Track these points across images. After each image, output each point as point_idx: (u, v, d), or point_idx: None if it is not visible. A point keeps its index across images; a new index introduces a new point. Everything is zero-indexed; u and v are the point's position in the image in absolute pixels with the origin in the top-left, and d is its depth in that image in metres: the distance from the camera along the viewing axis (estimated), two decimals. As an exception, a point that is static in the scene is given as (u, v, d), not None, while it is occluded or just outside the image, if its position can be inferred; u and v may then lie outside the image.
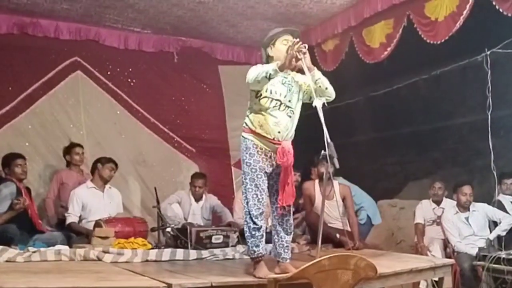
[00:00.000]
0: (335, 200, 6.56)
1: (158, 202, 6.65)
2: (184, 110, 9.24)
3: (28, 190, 6.91)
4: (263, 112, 4.59)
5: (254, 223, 4.55)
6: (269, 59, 4.77)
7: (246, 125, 4.67)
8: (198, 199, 7.71)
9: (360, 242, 6.57)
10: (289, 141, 4.63)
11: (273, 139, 4.57)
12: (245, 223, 4.63)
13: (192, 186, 7.68)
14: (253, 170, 4.56)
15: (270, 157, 4.62)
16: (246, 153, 4.60)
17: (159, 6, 7.59)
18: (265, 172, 4.60)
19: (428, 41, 6.81)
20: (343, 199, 6.81)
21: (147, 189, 8.49)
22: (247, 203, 4.58)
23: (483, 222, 6.81)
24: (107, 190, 7.18)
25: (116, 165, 7.28)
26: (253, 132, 4.60)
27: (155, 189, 6.86)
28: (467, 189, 6.88)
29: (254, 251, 4.60)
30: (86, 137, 8.36)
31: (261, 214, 4.57)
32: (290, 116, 4.62)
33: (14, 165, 6.64)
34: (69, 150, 7.71)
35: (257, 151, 4.58)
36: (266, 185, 4.65)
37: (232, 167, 9.55)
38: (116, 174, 7.52)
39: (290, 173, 4.61)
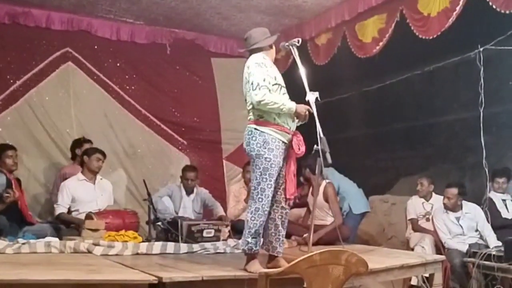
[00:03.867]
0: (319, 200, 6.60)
1: (149, 194, 6.63)
2: (176, 102, 9.21)
3: (18, 181, 6.88)
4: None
5: (252, 219, 4.49)
6: (256, 50, 4.75)
7: (261, 117, 4.51)
8: (189, 192, 7.66)
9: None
10: (298, 134, 4.64)
11: (290, 129, 4.55)
12: (256, 217, 4.50)
13: (184, 179, 7.63)
14: (273, 166, 4.47)
15: (284, 149, 4.57)
16: (264, 148, 4.45)
17: (151, -4, 7.57)
18: (280, 167, 4.56)
19: (420, 36, 6.81)
20: (326, 200, 6.79)
21: (138, 182, 8.45)
22: (262, 199, 4.47)
23: (474, 225, 6.80)
24: (99, 181, 7.12)
25: (103, 154, 7.19)
26: (270, 124, 4.50)
27: (144, 181, 6.83)
28: (451, 191, 6.83)
29: (252, 248, 4.55)
30: (76, 129, 8.31)
31: (258, 215, 4.51)
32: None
33: (5, 156, 6.59)
34: (80, 145, 7.67)
35: (275, 146, 4.48)
36: (272, 189, 4.56)
37: (224, 161, 9.52)
38: (106, 166, 7.48)
39: (295, 164, 4.63)
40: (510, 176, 7.29)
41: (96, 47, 8.58)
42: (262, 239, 4.67)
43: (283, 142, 4.53)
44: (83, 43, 8.46)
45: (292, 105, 4.46)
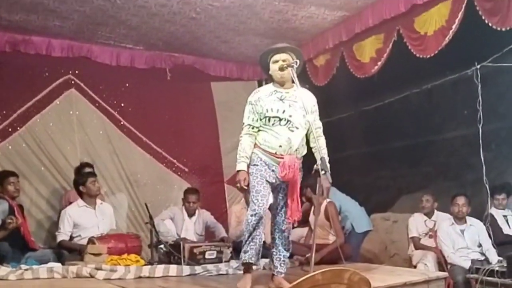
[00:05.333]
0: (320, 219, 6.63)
1: (151, 218, 6.65)
2: (176, 128, 9.21)
3: (20, 207, 6.90)
4: (265, 129, 4.78)
5: (249, 221, 4.70)
6: (268, 79, 4.97)
7: (256, 141, 4.84)
8: (191, 214, 7.67)
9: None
10: (294, 156, 4.73)
11: (276, 153, 4.72)
12: (245, 224, 4.79)
13: (186, 202, 7.65)
14: (255, 178, 4.73)
15: (273, 170, 4.77)
16: (252, 166, 4.77)
17: (151, 22, 7.63)
18: (267, 181, 4.75)
19: (417, 55, 6.88)
20: (328, 219, 6.81)
21: (140, 206, 8.53)
22: (249, 207, 4.74)
23: (477, 238, 6.81)
24: (99, 206, 7.12)
25: (95, 174, 7.24)
26: (258, 147, 4.78)
27: (146, 205, 6.87)
28: (460, 199, 6.89)
29: (242, 258, 4.79)
30: (80, 156, 8.33)
31: (255, 215, 4.68)
32: (292, 131, 4.73)
33: (7, 183, 6.62)
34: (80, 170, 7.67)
35: (261, 163, 4.75)
36: (268, 192, 4.78)
37: (225, 184, 9.55)
38: (108, 191, 7.50)
39: (294, 188, 4.77)
40: (510, 192, 7.32)
41: (97, 73, 8.62)
42: (258, 255, 4.81)
43: (270, 163, 4.75)
44: (84, 70, 8.52)
45: (239, 166, 4.78)
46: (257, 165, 4.76)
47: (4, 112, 7.96)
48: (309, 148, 4.92)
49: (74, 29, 7.85)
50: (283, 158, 4.70)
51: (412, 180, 8.85)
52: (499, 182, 7.33)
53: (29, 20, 7.47)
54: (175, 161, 9.22)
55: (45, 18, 7.46)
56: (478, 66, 7.07)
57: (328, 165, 4.57)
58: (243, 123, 4.88)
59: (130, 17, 7.45)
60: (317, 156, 4.74)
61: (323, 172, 4.52)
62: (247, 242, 4.74)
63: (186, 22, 7.60)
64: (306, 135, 4.88)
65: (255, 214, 4.68)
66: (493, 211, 7.20)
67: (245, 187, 4.73)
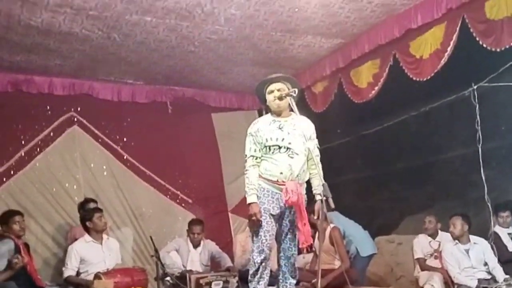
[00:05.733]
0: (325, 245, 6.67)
1: (156, 251, 6.68)
2: (179, 160, 9.30)
3: (26, 246, 6.91)
4: (266, 158, 4.88)
5: (255, 260, 4.80)
6: (267, 108, 5.06)
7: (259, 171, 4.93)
8: (196, 245, 7.68)
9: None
10: (296, 181, 4.81)
11: (277, 181, 4.82)
12: (251, 262, 4.88)
13: (190, 233, 7.67)
14: (262, 211, 4.81)
15: (277, 199, 4.85)
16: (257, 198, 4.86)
17: (150, 57, 7.77)
18: (271, 214, 4.84)
19: (414, 78, 6.98)
20: (333, 244, 6.84)
21: (145, 239, 8.57)
22: (252, 242, 4.85)
23: (482, 257, 6.81)
24: (106, 241, 7.13)
25: (101, 210, 7.28)
26: (261, 177, 4.87)
27: (151, 238, 6.90)
28: (455, 220, 6.89)
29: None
30: (84, 191, 8.42)
31: (260, 252, 4.78)
32: (292, 157, 4.82)
33: (12, 222, 6.63)
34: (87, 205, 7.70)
35: (264, 194, 4.85)
36: (272, 226, 4.86)
37: (230, 213, 9.59)
38: (113, 225, 7.54)
39: (302, 213, 4.84)
40: (514, 209, 7.33)
41: (99, 109, 8.75)
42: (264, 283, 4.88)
43: (273, 192, 4.85)
44: (86, 106, 8.65)
45: (250, 199, 4.86)
46: (260, 197, 4.84)
47: (8, 151, 8.06)
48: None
49: (75, 67, 7.99)
50: (285, 184, 4.78)
51: (415, 201, 8.85)
52: (502, 200, 7.33)
53: (31, 60, 7.62)
54: (178, 192, 9.29)
55: (46, 58, 7.60)
56: (475, 87, 7.13)
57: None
58: (246, 155, 4.98)
59: (130, 54, 7.60)
60: (315, 182, 4.85)
61: (324, 198, 4.59)
62: (256, 280, 4.83)
63: (185, 55, 7.74)
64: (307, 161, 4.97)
65: (259, 252, 4.81)
66: (497, 229, 7.18)
67: (260, 219, 4.79)
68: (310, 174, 4.98)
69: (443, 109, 7.93)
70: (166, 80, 8.78)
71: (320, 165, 4.94)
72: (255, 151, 4.92)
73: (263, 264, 4.80)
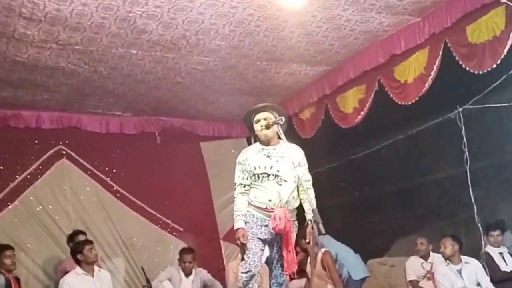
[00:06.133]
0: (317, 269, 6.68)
1: (148, 281, 6.68)
2: (169, 189, 9.27)
3: (17, 280, 6.88)
4: (255, 185, 4.94)
5: (240, 279, 4.86)
6: (255, 137, 5.12)
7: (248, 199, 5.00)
8: (188, 274, 7.64)
9: None
10: (285, 208, 4.84)
11: (266, 208, 4.87)
12: (238, 281, 4.94)
13: (182, 262, 7.64)
14: (249, 237, 4.86)
15: (266, 225, 4.89)
16: (246, 223, 4.91)
17: (137, 89, 7.81)
18: (259, 238, 4.87)
19: (400, 102, 7.05)
20: (325, 268, 6.85)
21: (137, 270, 8.54)
22: (241, 265, 4.91)
23: (474, 277, 6.83)
24: (97, 273, 7.06)
25: (91, 242, 7.25)
26: (250, 204, 4.93)
27: (143, 268, 6.89)
28: (445, 241, 6.91)
29: None
30: (74, 223, 8.38)
31: (247, 271, 4.83)
32: (281, 185, 4.87)
33: (3, 256, 6.62)
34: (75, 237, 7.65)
35: (253, 220, 4.90)
36: (260, 248, 4.91)
37: (221, 241, 9.57)
38: (104, 256, 7.51)
39: (288, 240, 4.89)
40: (504, 229, 7.36)
41: (87, 142, 8.77)
42: None
43: (262, 218, 4.89)
44: (74, 139, 8.67)
45: (237, 225, 4.93)
46: (249, 222, 4.90)
47: (-2, 185, 8.04)
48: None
49: (62, 101, 8.02)
50: (273, 211, 4.82)
51: (406, 223, 8.90)
52: (492, 219, 7.39)
53: (18, 95, 7.65)
54: (169, 221, 9.26)
55: (33, 93, 7.64)
56: (460, 109, 7.21)
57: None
58: (235, 183, 5.04)
59: (117, 86, 7.64)
60: (306, 207, 4.89)
61: (315, 223, 4.63)
62: None
63: (172, 86, 7.79)
64: (297, 188, 5.01)
65: (246, 272, 4.82)
66: (488, 248, 7.21)
67: (245, 242, 4.82)
68: (301, 199, 5.03)
69: (430, 132, 8.01)
70: (154, 111, 8.81)
71: (311, 190, 5.00)
72: (243, 179, 4.98)
73: (251, 282, 4.83)
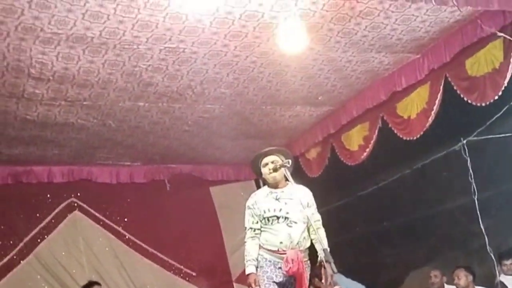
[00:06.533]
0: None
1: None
2: (180, 235, 9.31)
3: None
4: (266, 228, 4.99)
5: None
6: (263, 180, 5.18)
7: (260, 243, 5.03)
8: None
9: None
10: (297, 249, 4.88)
11: (278, 250, 4.92)
12: None
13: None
14: (262, 281, 4.91)
15: (280, 268, 4.93)
16: (259, 268, 4.96)
17: (146, 139, 7.95)
18: (274, 282, 4.91)
19: (404, 138, 7.13)
20: None
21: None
22: None
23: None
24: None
25: (99, 284, 7.31)
26: (262, 247, 4.98)
27: None
28: (459, 272, 6.94)
29: None
30: (89, 274, 8.44)
31: None
32: (291, 226, 4.92)
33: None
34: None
35: (266, 263, 4.94)
36: None
37: (234, 283, 9.57)
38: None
39: (302, 281, 4.92)
40: (517, 257, 7.35)
41: (98, 193, 8.87)
42: None
43: (275, 261, 4.93)
44: (85, 191, 8.78)
45: (248, 270, 4.98)
46: (263, 266, 4.94)
47: (11, 242, 8.17)
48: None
49: (73, 155, 8.16)
50: (285, 253, 4.88)
51: (418, 255, 8.87)
52: (505, 248, 7.38)
53: (29, 152, 7.79)
54: (182, 267, 9.30)
55: (44, 149, 7.78)
56: (464, 141, 7.26)
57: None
58: (245, 227, 5.11)
59: (126, 138, 7.78)
60: (318, 247, 4.94)
61: (328, 262, 4.70)
62: None
63: (180, 135, 7.92)
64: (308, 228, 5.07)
65: None
66: (502, 278, 7.16)
67: (257, 287, 4.87)
68: (312, 240, 5.08)
69: (436, 165, 8.02)
70: (162, 159, 8.93)
71: (321, 230, 5.07)
72: (253, 223, 5.04)
73: None
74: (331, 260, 4.69)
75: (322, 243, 4.85)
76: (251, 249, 5.00)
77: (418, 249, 8.89)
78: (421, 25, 5.72)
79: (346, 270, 7.74)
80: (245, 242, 5.10)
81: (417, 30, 5.82)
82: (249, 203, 5.15)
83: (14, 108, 6.51)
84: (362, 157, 7.78)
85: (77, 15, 4.84)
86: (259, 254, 4.98)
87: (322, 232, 5.06)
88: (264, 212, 4.99)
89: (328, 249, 4.83)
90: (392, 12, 5.35)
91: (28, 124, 6.92)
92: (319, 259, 4.91)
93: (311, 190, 5.31)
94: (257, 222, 5.03)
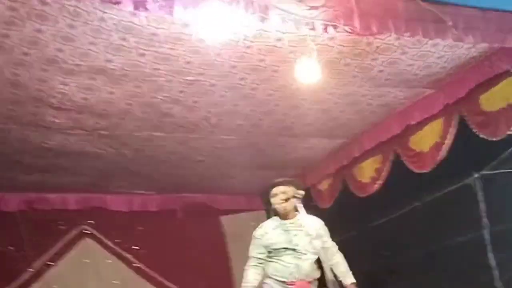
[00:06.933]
0: None
1: None
2: (191, 265, 9.25)
3: None
4: (275, 259, 5.03)
5: None
6: (274, 212, 5.21)
7: (267, 272, 5.06)
8: None
9: None
10: (305, 281, 4.90)
11: (286, 281, 4.87)
12: None
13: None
14: None
15: None
16: None
17: (160, 169, 8.02)
18: None
19: (416, 171, 7.18)
20: None
21: None
22: None
23: None
24: None
25: None
26: (270, 277, 5.03)
27: None
28: None
29: None
30: (98, 303, 8.43)
31: None
32: (300, 258, 4.97)
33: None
34: None
35: None
36: None
37: (242, 313, 9.54)
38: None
39: None
40: (530, 293, 7.33)
41: (110, 220, 8.91)
42: None
43: None
44: (97, 219, 8.83)
45: None
46: None
47: (22, 267, 8.18)
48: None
49: (87, 183, 8.23)
50: (294, 285, 4.90)
51: (430, 288, 8.86)
52: (517, 283, 7.37)
53: (44, 179, 7.87)
54: (192, 297, 9.27)
55: (59, 176, 7.85)
56: (476, 175, 7.29)
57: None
58: (249, 256, 5.16)
59: (140, 167, 7.85)
60: (337, 270, 4.97)
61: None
62: None
63: (194, 165, 8.00)
64: (319, 258, 5.10)
65: None
66: (514, 313, 7.19)
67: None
68: (331, 265, 5.10)
69: (447, 198, 8.04)
70: (176, 188, 9.00)
71: (338, 255, 5.14)
72: (258, 253, 5.09)
73: None
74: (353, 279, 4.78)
75: (339, 267, 4.92)
76: (251, 276, 5.03)
77: (428, 283, 8.86)
78: (437, 61, 5.79)
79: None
80: (245, 269, 5.11)
81: (433, 66, 5.88)
82: (256, 233, 5.18)
83: (32, 136, 6.59)
84: (373, 189, 7.83)
85: (99, 48, 4.93)
86: (267, 284, 5.01)
87: (339, 257, 5.12)
88: (272, 244, 5.03)
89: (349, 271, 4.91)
90: (409, 48, 5.42)
91: (45, 152, 7.00)
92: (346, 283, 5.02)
93: (322, 221, 5.37)
94: (263, 253, 5.06)
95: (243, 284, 5.03)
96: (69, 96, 5.75)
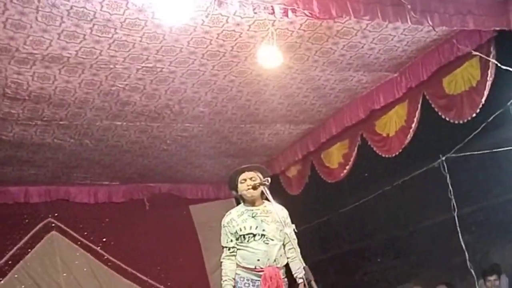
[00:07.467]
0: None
1: None
2: (160, 254, 9.21)
3: None
4: (242, 246, 4.84)
5: None
6: (240, 199, 5.10)
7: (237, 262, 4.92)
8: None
9: None
10: (274, 266, 4.83)
11: (255, 268, 4.79)
12: None
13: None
14: None
15: (258, 286, 4.79)
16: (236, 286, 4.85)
17: (124, 158, 7.88)
18: None
19: (383, 155, 7.16)
20: None
21: None
22: None
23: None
24: None
25: None
26: (239, 266, 4.83)
27: None
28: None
29: None
30: (68, 295, 8.31)
31: None
32: (267, 243, 4.84)
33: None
34: None
35: (244, 283, 4.80)
36: None
37: (215, 302, 9.51)
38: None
39: None
40: (500, 272, 7.37)
41: (76, 213, 8.75)
42: None
43: (253, 279, 4.80)
44: (63, 211, 8.65)
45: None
46: (241, 286, 4.84)
47: (-13, 263, 8.01)
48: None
49: (50, 175, 8.06)
50: (263, 271, 4.83)
51: (400, 272, 8.91)
52: (485, 263, 7.41)
53: (5, 172, 7.67)
54: (162, 287, 9.16)
55: (20, 169, 7.67)
56: (443, 158, 7.30)
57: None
58: (222, 247, 4.99)
59: (103, 157, 7.71)
60: (294, 266, 4.90)
61: (308, 280, 4.65)
62: None
63: (158, 154, 7.87)
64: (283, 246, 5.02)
65: None
66: (485, 293, 7.23)
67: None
68: (288, 258, 5.03)
69: (415, 182, 8.07)
70: (141, 178, 8.85)
71: (298, 249, 5.02)
72: (228, 242, 4.92)
73: None
74: (312, 278, 4.62)
75: (301, 261, 4.80)
76: (227, 269, 4.93)
77: (399, 266, 8.93)
78: (398, 45, 5.77)
79: (328, 288, 7.75)
80: (221, 261, 5.03)
81: (394, 49, 5.86)
82: (224, 221, 5.05)
83: (-11, 129, 6.43)
84: (342, 174, 7.82)
85: (52, 35, 4.81)
86: (237, 274, 4.93)
87: (298, 251, 5.04)
88: (240, 230, 4.93)
89: (308, 267, 4.79)
90: (369, 31, 5.38)
91: (4, 144, 6.83)
92: (299, 276, 4.86)
93: (292, 208, 5.25)
94: (231, 241, 4.97)
95: (222, 278, 4.92)
96: (24, 86, 5.60)
